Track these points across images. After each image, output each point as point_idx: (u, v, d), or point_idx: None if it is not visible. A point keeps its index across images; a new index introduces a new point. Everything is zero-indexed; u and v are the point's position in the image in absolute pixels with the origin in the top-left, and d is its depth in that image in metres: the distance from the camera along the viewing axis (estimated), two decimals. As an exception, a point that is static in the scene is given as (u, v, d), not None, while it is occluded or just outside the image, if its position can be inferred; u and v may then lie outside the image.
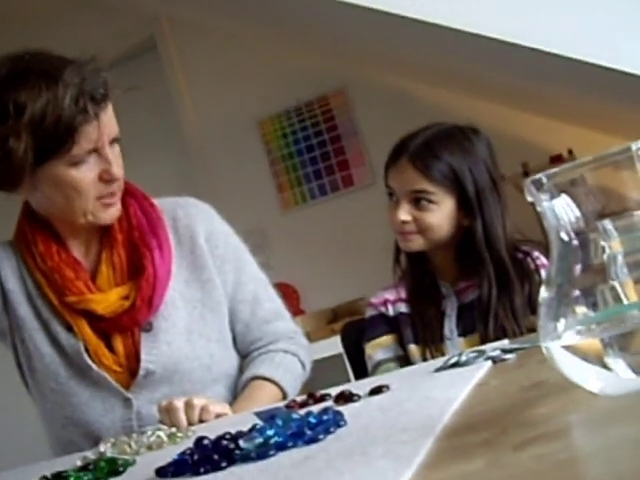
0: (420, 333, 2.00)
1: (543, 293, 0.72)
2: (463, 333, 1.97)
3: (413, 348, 2.01)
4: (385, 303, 2.11)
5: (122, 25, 4.59)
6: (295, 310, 4.29)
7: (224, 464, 0.92)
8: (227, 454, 0.93)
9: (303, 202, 4.55)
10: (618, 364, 0.66)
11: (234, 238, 1.93)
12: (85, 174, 1.66)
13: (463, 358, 1.24)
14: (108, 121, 1.66)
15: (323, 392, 1.33)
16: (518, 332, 1.87)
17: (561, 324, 0.70)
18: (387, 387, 1.18)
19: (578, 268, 0.71)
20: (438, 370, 1.25)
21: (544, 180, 0.71)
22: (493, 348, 1.28)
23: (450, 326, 1.99)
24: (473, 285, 2.00)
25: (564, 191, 0.72)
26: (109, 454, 1.33)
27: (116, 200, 1.73)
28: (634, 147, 0.68)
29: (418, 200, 1.96)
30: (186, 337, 1.78)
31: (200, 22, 4.53)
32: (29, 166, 1.62)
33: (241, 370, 1.88)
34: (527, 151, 3.96)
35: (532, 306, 1.89)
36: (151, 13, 4.65)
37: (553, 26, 2.68)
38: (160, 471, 0.98)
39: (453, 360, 1.25)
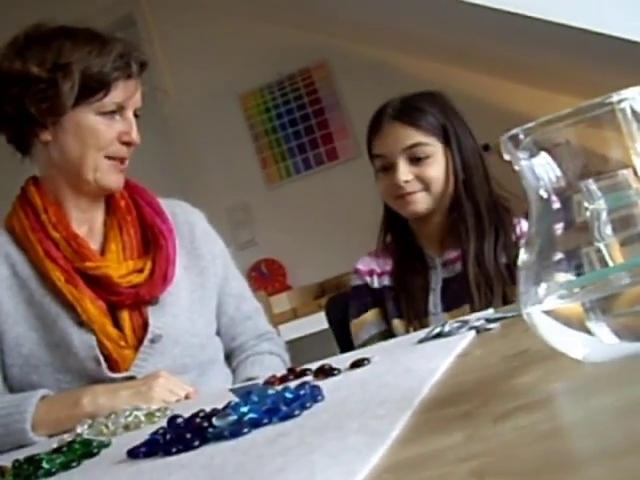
0: (404, 307, 1.97)
1: (522, 256, 0.68)
2: (448, 308, 1.94)
3: (397, 323, 1.98)
4: (371, 273, 2.08)
5: (100, 2, 4.53)
6: (281, 286, 4.26)
7: (196, 443, 0.89)
8: (200, 433, 0.90)
9: (287, 177, 4.50)
10: (601, 329, 0.62)
11: (221, 241, 2.03)
12: (108, 126, 1.76)
13: (446, 328, 1.21)
14: (137, 91, 1.81)
15: (304, 367, 1.30)
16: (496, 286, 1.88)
17: (542, 288, 0.66)
18: (368, 360, 1.15)
19: (559, 230, 0.67)
20: (421, 341, 1.22)
21: (521, 136, 0.67)
22: (477, 318, 1.25)
23: (435, 300, 1.97)
24: (459, 257, 1.97)
25: (544, 149, 0.68)
26: (86, 435, 1.31)
27: (124, 168, 1.81)
28: (615, 98, 0.64)
29: (414, 156, 1.95)
30: (188, 314, 1.84)
31: (179, -3, 4.48)
32: (68, 106, 1.74)
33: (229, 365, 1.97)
34: (512, 120, 3.91)
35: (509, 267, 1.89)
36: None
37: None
38: (132, 452, 0.96)
39: (436, 331, 1.22)
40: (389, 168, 1.97)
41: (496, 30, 3.04)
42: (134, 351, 1.75)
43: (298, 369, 1.29)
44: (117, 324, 1.77)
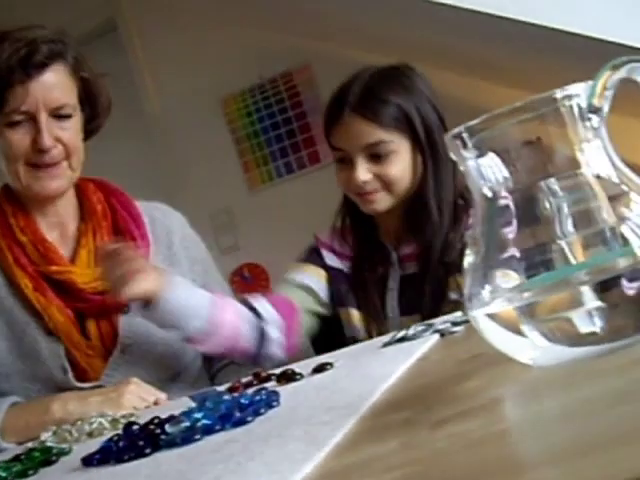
0: (362, 305, 1.86)
1: (468, 257, 0.67)
2: (406, 311, 1.81)
3: (355, 313, 1.87)
4: (330, 249, 1.95)
5: (81, 6, 4.51)
6: (264, 290, 4.24)
7: (148, 450, 0.88)
8: (152, 440, 0.89)
9: (270, 181, 4.48)
10: (532, 332, 0.61)
11: (203, 244, 1.98)
12: (17, 137, 1.67)
13: (411, 332, 1.20)
14: (47, 89, 1.67)
15: (270, 372, 1.29)
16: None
17: (487, 291, 0.65)
18: (331, 365, 1.14)
19: (507, 231, 0.66)
20: (385, 345, 1.21)
21: (465, 135, 0.65)
22: (444, 321, 1.23)
23: (392, 302, 1.84)
24: (415, 254, 1.84)
25: (491, 148, 0.67)
26: (49, 443, 1.29)
27: (53, 174, 1.72)
28: (559, 94, 0.63)
29: (375, 154, 1.78)
30: None
31: (160, 2, 4.47)
32: None
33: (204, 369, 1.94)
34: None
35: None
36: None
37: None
38: (86, 460, 0.94)
39: (401, 334, 1.21)
40: (348, 162, 1.81)
41: (480, 34, 3.04)
42: (103, 360, 1.73)
43: (263, 374, 1.28)
44: (85, 332, 1.74)
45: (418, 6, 2.98)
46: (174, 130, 4.62)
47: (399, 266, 1.86)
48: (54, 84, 1.67)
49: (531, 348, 0.63)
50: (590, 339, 0.60)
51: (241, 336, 1.72)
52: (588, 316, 0.59)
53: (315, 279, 1.91)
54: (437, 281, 1.77)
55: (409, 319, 1.74)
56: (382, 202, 1.81)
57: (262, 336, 1.74)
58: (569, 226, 0.64)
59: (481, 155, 0.67)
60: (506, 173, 0.66)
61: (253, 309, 1.75)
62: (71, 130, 1.71)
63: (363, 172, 1.78)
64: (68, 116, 1.70)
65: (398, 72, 1.84)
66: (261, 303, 1.77)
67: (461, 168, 0.68)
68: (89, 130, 1.81)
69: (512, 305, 0.62)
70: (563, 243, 0.64)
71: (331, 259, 1.93)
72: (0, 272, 1.77)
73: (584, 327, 0.59)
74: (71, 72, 1.71)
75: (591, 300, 0.59)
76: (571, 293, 0.61)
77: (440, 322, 1.23)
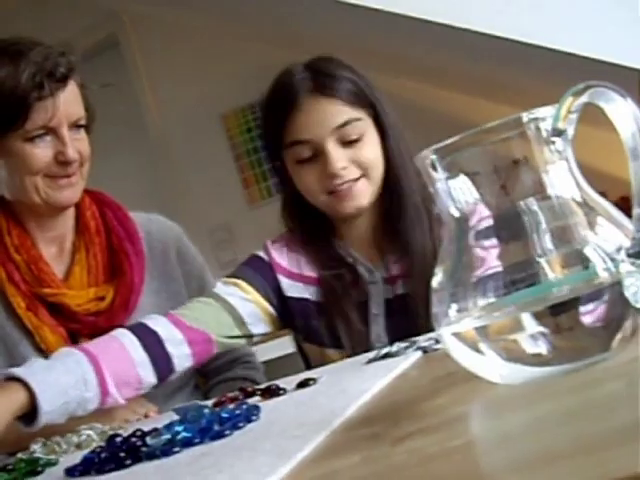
0: (343, 339, 1.58)
1: (436, 276, 0.68)
2: (397, 338, 1.37)
3: (333, 355, 1.61)
4: (288, 274, 1.68)
5: (83, 22, 4.54)
6: (262, 306, 4.27)
7: (128, 462, 0.89)
8: (134, 452, 0.91)
9: (269, 197, 4.50)
10: (489, 352, 0.62)
11: (200, 258, 1.94)
12: (39, 151, 1.67)
13: (394, 349, 1.21)
14: (67, 103, 1.68)
15: (256, 387, 1.30)
16: None
17: (453, 310, 0.66)
18: (314, 380, 1.15)
19: (474, 250, 0.67)
20: (370, 362, 1.22)
21: (432, 156, 0.67)
22: (427, 338, 1.24)
23: (377, 330, 1.60)
24: (404, 272, 1.60)
25: (461, 170, 0.68)
26: (37, 454, 1.31)
27: (72, 182, 1.72)
28: (525, 118, 0.64)
29: (345, 138, 1.57)
30: None
31: (161, 18, 4.50)
32: None
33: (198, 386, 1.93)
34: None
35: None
36: (112, 10, 4.61)
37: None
38: (69, 470, 0.96)
39: (384, 351, 1.22)
40: (316, 156, 1.58)
41: (466, 50, 3.07)
42: None
43: (250, 389, 1.29)
44: None
45: (409, 23, 3.00)
46: (175, 145, 4.64)
47: (384, 287, 1.62)
48: (73, 97, 1.70)
49: (492, 367, 0.65)
50: (542, 360, 0.61)
51: (137, 371, 1.49)
52: (533, 339, 0.61)
53: (255, 313, 1.64)
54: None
55: None
56: (363, 194, 1.59)
57: (165, 355, 1.52)
58: (542, 244, 0.65)
59: (451, 177, 0.68)
60: (476, 194, 0.68)
61: (150, 330, 1.54)
62: (84, 140, 1.73)
63: (340, 158, 1.56)
64: (82, 127, 1.73)
65: (330, 56, 1.65)
66: (157, 322, 1.55)
67: (430, 189, 0.69)
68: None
69: (472, 325, 0.64)
70: (533, 262, 0.65)
71: (292, 288, 1.67)
72: None
73: (530, 349, 0.61)
74: (79, 84, 1.73)
75: (533, 325, 0.60)
76: (517, 316, 0.62)
77: (424, 339, 1.24)
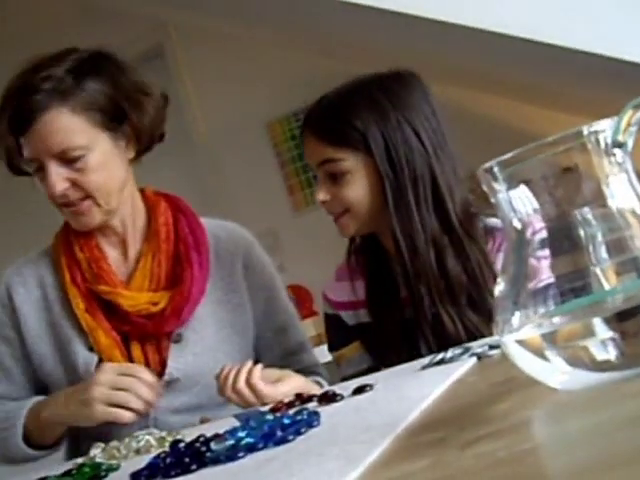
0: (393, 358, 1.60)
1: (499, 285, 0.70)
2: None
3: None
4: (344, 306, 1.80)
5: (129, 32, 4.58)
6: (308, 312, 4.27)
7: (194, 467, 0.91)
8: (198, 457, 0.92)
9: (314, 203, 4.49)
10: (556, 358, 0.64)
11: (270, 268, 1.90)
12: (40, 182, 1.70)
13: (449, 355, 1.22)
14: (44, 137, 1.66)
15: (312, 393, 1.32)
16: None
17: (516, 318, 0.68)
18: (370, 386, 1.17)
19: (534, 259, 0.69)
20: (424, 368, 1.23)
21: (496, 169, 0.69)
22: (481, 344, 1.26)
23: (427, 344, 1.65)
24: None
25: (522, 181, 0.70)
26: (98, 459, 1.33)
27: (82, 211, 1.73)
28: (585, 131, 0.66)
29: (330, 173, 1.66)
30: (212, 354, 1.77)
31: (206, 27, 4.53)
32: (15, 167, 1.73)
33: None
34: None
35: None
36: (158, 20, 4.65)
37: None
38: (134, 475, 0.98)
39: (439, 357, 1.24)
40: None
41: (511, 55, 3.07)
42: None
43: (306, 395, 1.31)
44: (131, 357, 1.75)
45: (465, 32, 3.01)
46: (220, 154, 4.68)
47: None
48: (49, 131, 1.65)
49: (556, 373, 0.66)
50: (609, 365, 0.63)
51: None
52: (603, 344, 0.62)
53: (358, 358, 1.78)
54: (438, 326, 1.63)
55: None
56: (349, 228, 1.71)
57: None
58: (602, 254, 0.67)
59: (511, 188, 0.70)
60: (536, 204, 0.69)
61: None
62: (87, 170, 1.68)
63: (321, 192, 1.68)
64: (77, 158, 1.67)
65: (376, 86, 1.68)
66: None
67: (492, 200, 0.71)
68: (146, 139, 1.79)
69: (537, 332, 0.65)
70: (594, 271, 0.67)
71: (350, 317, 1.80)
72: (57, 288, 1.82)
73: (600, 355, 0.63)
74: (76, 110, 1.66)
75: (604, 330, 0.62)
76: (586, 323, 0.64)
77: (478, 345, 1.25)
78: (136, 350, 1.76)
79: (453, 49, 3.40)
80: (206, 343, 1.78)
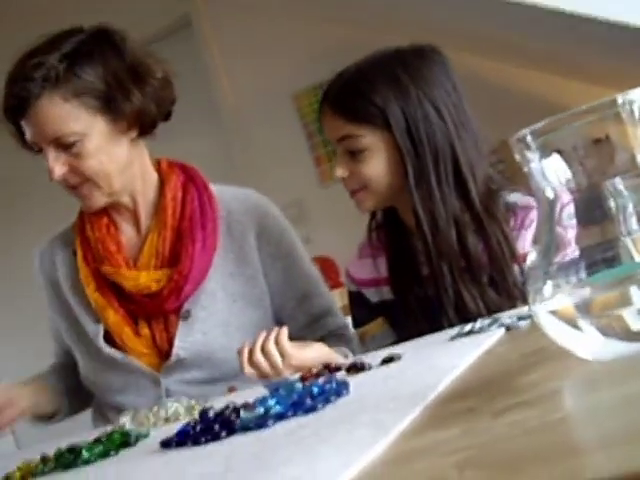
0: (415, 335, 1.53)
1: (530, 255, 0.70)
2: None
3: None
4: (366, 284, 1.81)
5: (157, 3, 4.59)
6: (334, 283, 4.28)
7: (224, 434, 0.92)
8: (228, 425, 0.93)
9: (341, 175, 4.52)
10: (589, 328, 0.64)
11: (288, 234, 1.88)
12: (46, 164, 1.70)
13: (477, 325, 1.22)
14: (39, 124, 1.67)
15: (339, 363, 1.33)
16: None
17: (548, 287, 0.68)
18: (399, 356, 1.17)
19: (566, 229, 0.69)
20: (453, 338, 1.23)
21: (529, 138, 0.68)
22: (509, 315, 1.26)
23: (450, 318, 1.63)
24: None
25: (555, 150, 0.70)
26: (128, 426, 1.35)
27: (83, 195, 1.74)
28: (620, 100, 0.65)
29: (349, 149, 1.65)
30: (223, 329, 1.78)
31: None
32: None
33: None
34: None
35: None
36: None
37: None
38: (165, 442, 0.99)
39: (467, 328, 1.24)
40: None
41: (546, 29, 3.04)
42: (160, 360, 1.78)
43: (334, 365, 1.31)
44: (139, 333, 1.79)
45: (495, 3, 2.99)
46: (248, 124, 4.68)
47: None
48: (44, 119, 1.66)
49: (588, 343, 0.66)
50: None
51: None
52: (638, 314, 0.62)
53: (383, 334, 1.79)
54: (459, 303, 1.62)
55: None
56: (366, 203, 1.71)
57: None
58: (633, 224, 0.66)
59: (544, 157, 0.69)
60: (568, 174, 0.69)
61: None
62: (83, 155, 1.68)
63: (339, 168, 1.68)
64: (72, 144, 1.67)
65: (396, 60, 1.67)
66: None
67: (524, 170, 0.71)
68: (148, 120, 1.76)
69: (571, 301, 0.65)
70: (626, 241, 0.66)
71: (373, 294, 1.81)
72: (69, 266, 1.87)
73: (634, 325, 0.62)
74: (68, 96, 1.66)
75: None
76: (622, 292, 0.63)
77: (506, 316, 1.25)
78: (143, 328, 1.78)
79: (474, 17, 3.38)
80: (217, 318, 1.78)
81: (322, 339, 1.80)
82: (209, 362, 1.76)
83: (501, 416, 0.59)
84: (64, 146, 1.67)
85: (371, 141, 1.63)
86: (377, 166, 1.65)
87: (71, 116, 1.66)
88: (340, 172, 1.67)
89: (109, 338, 1.79)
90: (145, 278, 1.75)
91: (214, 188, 1.86)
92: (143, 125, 1.75)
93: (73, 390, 1.95)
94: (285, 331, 1.50)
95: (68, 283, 1.85)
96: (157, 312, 1.77)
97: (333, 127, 1.67)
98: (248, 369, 1.49)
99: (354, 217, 1.81)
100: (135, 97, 1.70)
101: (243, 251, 1.82)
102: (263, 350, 1.47)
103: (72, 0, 4.49)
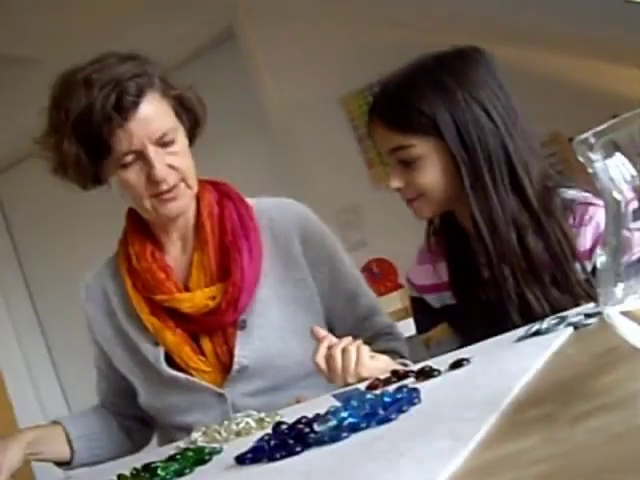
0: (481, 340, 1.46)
1: (600, 257, 0.69)
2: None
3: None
4: (427, 289, 1.81)
5: (199, 17, 4.60)
6: (393, 285, 4.27)
7: (298, 449, 0.92)
8: (302, 438, 0.93)
9: (393, 176, 4.51)
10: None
11: (330, 238, 1.89)
12: (133, 175, 1.69)
13: (544, 326, 1.21)
14: (145, 123, 1.67)
15: (407, 369, 1.32)
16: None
17: (619, 289, 0.67)
18: (467, 360, 1.16)
19: (634, 229, 0.68)
20: (519, 340, 1.22)
21: (592, 140, 0.68)
22: (576, 313, 1.24)
23: (515, 318, 1.60)
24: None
25: (619, 149, 0.69)
26: (200, 443, 1.36)
27: (175, 196, 1.73)
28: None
29: (402, 159, 1.64)
30: (279, 334, 1.79)
31: (277, 5, 4.53)
32: (89, 167, 1.71)
33: None
34: (616, 103, 3.84)
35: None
36: (227, 2, 4.66)
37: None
38: (239, 458, 0.99)
39: (534, 328, 1.22)
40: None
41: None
42: (222, 375, 1.78)
43: (402, 371, 1.31)
44: (202, 351, 1.80)
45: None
46: (297, 131, 4.68)
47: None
48: (151, 116, 1.68)
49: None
50: None
51: None
52: None
53: (448, 339, 1.77)
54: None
55: None
56: (423, 211, 1.71)
57: None
58: None
59: (608, 156, 0.69)
60: (634, 172, 0.68)
61: None
62: (179, 153, 1.72)
63: (394, 179, 1.67)
64: (172, 141, 1.70)
65: (440, 67, 1.65)
66: None
67: (589, 171, 0.70)
68: (191, 137, 1.81)
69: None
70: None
71: (435, 300, 1.81)
72: (121, 296, 1.88)
73: None
74: (162, 95, 1.71)
75: None
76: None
77: (573, 314, 1.24)
78: (206, 344, 1.79)
79: (521, 7, 3.35)
80: (272, 325, 1.79)
81: (371, 338, 1.83)
82: (270, 369, 1.77)
83: (580, 422, 0.59)
84: (164, 144, 1.69)
85: (423, 150, 1.62)
86: (431, 174, 1.64)
87: (169, 112, 1.72)
88: (395, 183, 1.67)
89: (170, 361, 1.80)
90: (200, 297, 1.76)
91: (251, 200, 1.88)
92: (191, 140, 1.81)
93: (127, 427, 2.01)
94: (367, 347, 1.52)
95: (123, 311, 1.87)
96: (216, 327, 1.78)
97: (383, 139, 1.67)
98: (320, 358, 1.50)
99: (409, 218, 1.80)
100: (188, 107, 1.79)
101: (290, 256, 1.83)
102: (343, 349, 1.48)
103: (118, 16, 4.53)
